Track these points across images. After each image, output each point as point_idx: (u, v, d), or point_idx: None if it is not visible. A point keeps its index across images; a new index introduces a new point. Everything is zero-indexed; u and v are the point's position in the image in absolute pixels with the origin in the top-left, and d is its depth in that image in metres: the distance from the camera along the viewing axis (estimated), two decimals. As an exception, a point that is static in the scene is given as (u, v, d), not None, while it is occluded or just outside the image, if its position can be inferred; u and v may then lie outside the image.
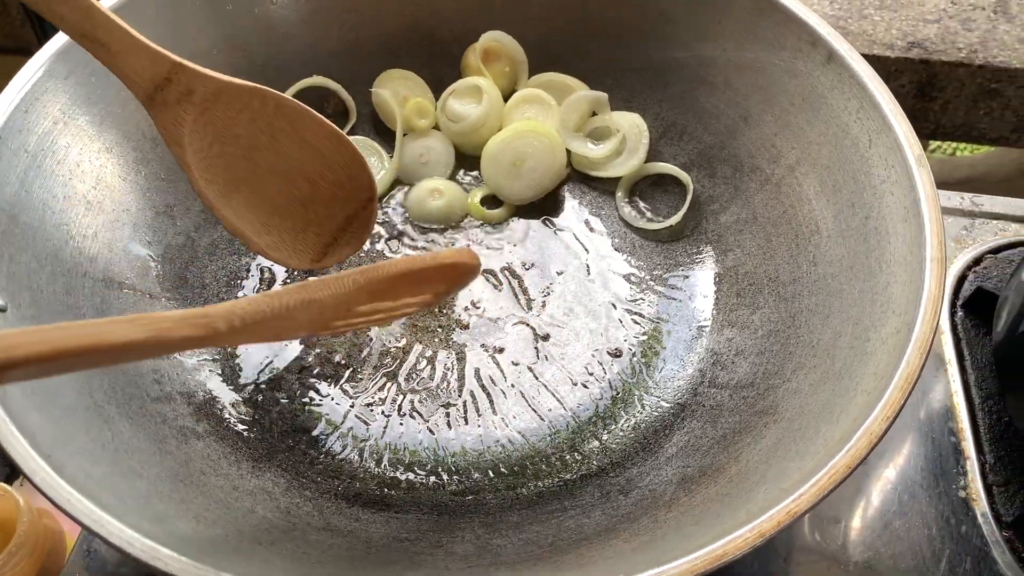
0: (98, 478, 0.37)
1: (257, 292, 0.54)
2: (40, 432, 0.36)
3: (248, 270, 0.55)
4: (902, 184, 0.45)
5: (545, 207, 0.59)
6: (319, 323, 0.37)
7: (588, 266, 0.56)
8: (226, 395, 0.49)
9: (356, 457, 0.48)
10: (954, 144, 1.22)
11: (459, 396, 0.50)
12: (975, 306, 0.57)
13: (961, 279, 0.59)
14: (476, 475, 0.47)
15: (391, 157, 0.60)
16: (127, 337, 0.29)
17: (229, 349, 0.51)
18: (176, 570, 0.32)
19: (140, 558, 0.32)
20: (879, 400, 0.37)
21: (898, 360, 0.39)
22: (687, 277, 0.55)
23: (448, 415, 0.50)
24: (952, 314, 0.57)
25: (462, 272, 0.39)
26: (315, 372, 0.51)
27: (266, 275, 0.55)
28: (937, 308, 0.40)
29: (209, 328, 0.31)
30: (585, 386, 0.51)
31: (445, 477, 0.47)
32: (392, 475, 0.47)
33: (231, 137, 0.45)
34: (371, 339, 0.53)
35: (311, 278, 0.35)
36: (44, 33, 0.79)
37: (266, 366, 0.51)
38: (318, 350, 0.52)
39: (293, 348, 0.52)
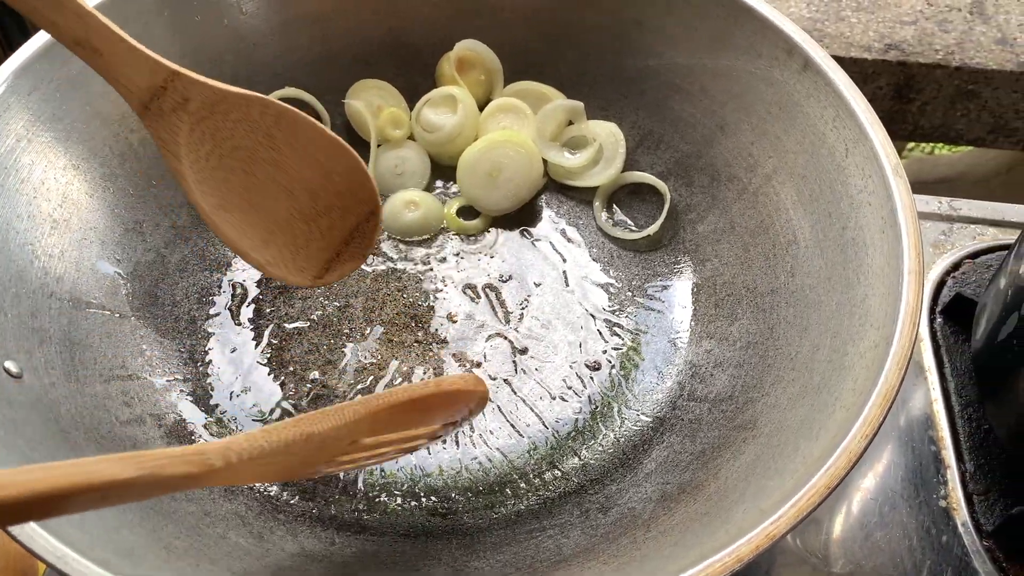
0: (64, 510, 0.36)
1: (228, 308, 0.53)
2: (4, 465, 0.35)
3: (220, 286, 0.54)
4: (879, 194, 0.45)
5: (522, 217, 0.59)
6: (320, 459, 0.36)
7: (566, 277, 0.56)
8: (197, 417, 0.48)
9: (330, 478, 0.47)
10: (932, 144, 1.22)
11: (436, 413, 0.50)
12: (954, 313, 0.57)
13: (940, 285, 0.59)
14: (453, 495, 0.47)
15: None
16: (117, 476, 0.27)
17: (200, 368, 0.50)
18: (143, 607, 0.31)
19: (106, 595, 0.32)
20: (857, 417, 0.37)
21: (876, 375, 0.38)
22: (665, 287, 0.55)
23: (425, 433, 0.49)
24: (931, 321, 0.57)
25: (467, 400, 0.38)
26: (289, 391, 0.50)
27: (238, 291, 0.54)
28: (915, 321, 0.40)
29: (204, 465, 0.30)
30: (564, 400, 0.50)
31: (422, 498, 0.46)
32: (367, 496, 0.46)
33: (229, 148, 0.43)
34: (346, 355, 0.52)
35: (309, 412, 0.34)
36: (10, 45, 0.78)
37: (237, 386, 0.50)
38: (291, 368, 0.51)
39: (267, 367, 0.51)
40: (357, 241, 0.47)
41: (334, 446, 0.35)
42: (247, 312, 0.53)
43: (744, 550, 0.33)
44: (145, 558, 0.36)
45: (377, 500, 0.46)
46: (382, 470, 0.47)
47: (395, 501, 0.46)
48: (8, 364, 0.41)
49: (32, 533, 0.33)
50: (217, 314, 0.53)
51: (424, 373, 0.51)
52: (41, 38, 0.48)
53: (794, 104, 0.51)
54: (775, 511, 0.35)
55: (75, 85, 0.50)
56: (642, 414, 0.49)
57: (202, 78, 0.42)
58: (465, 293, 0.55)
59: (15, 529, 0.33)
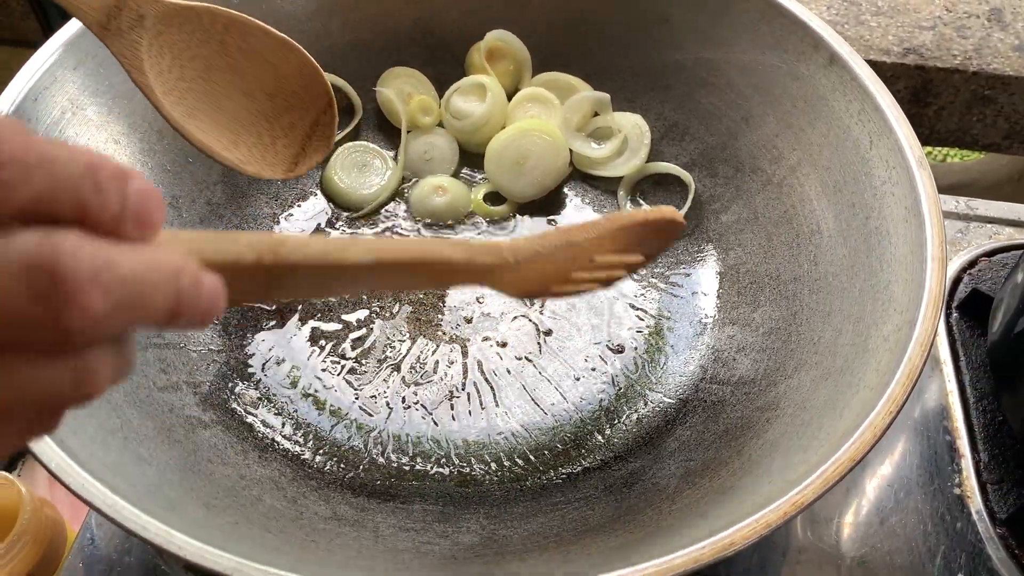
0: (110, 465, 0.37)
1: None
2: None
3: (252, 263, 0.55)
4: (903, 185, 0.46)
5: (548, 205, 0.60)
6: (568, 270, 0.37)
7: (590, 263, 0.57)
8: (231, 385, 0.50)
9: (361, 447, 0.48)
10: (944, 150, 1.23)
11: (462, 389, 0.51)
12: (970, 308, 0.58)
13: (956, 281, 0.60)
14: (480, 467, 0.48)
15: (393, 158, 0.61)
16: (450, 257, 0.30)
17: (234, 340, 0.51)
18: (191, 555, 0.32)
19: (155, 542, 0.33)
20: (882, 395, 0.38)
21: (900, 357, 0.39)
22: (689, 275, 0.56)
23: (452, 407, 0.50)
24: (947, 316, 0.58)
25: (677, 231, 0.40)
26: (320, 364, 0.51)
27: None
28: (938, 306, 0.41)
29: (502, 259, 0.33)
30: (587, 381, 0.51)
31: (449, 468, 0.47)
32: (396, 466, 0.47)
33: (188, 59, 0.46)
34: (375, 332, 0.53)
35: (566, 225, 0.37)
36: (50, 26, 0.79)
37: (271, 357, 0.51)
38: (322, 342, 0.52)
39: (297, 340, 0.52)
40: (319, 133, 0.51)
41: (581, 257, 0.36)
42: (279, 288, 0.54)
43: (772, 516, 0.34)
44: (186, 513, 0.37)
45: (406, 469, 0.47)
46: (411, 441, 0.48)
47: (423, 470, 0.47)
48: None
49: (84, 483, 0.34)
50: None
51: (450, 351, 0.52)
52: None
53: (819, 98, 0.52)
54: (801, 481, 0.36)
55: (116, 62, 0.52)
56: (665, 396, 0.51)
57: None
58: (491, 276, 0.56)
59: (69, 480, 0.34)
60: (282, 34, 0.48)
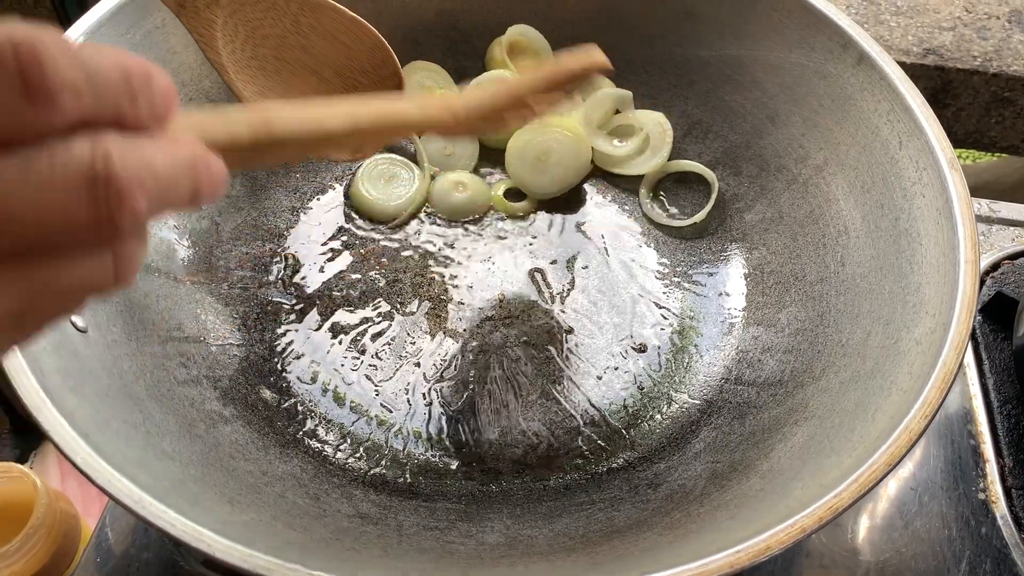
0: (133, 460, 0.36)
1: (280, 278, 0.54)
2: (77, 413, 0.36)
3: (272, 256, 0.55)
4: (934, 186, 0.46)
5: (569, 201, 0.59)
6: (507, 111, 0.38)
7: (611, 261, 0.56)
8: (252, 380, 0.49)
9: (382, 443, 0.47)
10: (960, 153, 1.23)
11: (484, 387, 0.50)
12: (993, 311, 0.58)
13: (979, 284, 0.59)
14: (502, 466, 0.47)
15: (419, 167, 0.60)
16: (408, 116, 0.33)
17: (254, 335, 0.51)
18: (219, 552, 0.32)
19: (182, 539, 0.32)
20: (917, 398, 0.38)
21: (934, 360, 0.39)
22: (712, 274, 0.55)
23: (473, 404, 0.49)
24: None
25: (595, 69, 0.40)
26: (339, 359, 0.51)
27: (290, 261, 0.55)
28: (972, 309, 0.40)
29: (452, 114, 0.35)
30: (610, 380, 0.51)
31: (471, 466, 0.47)
32: (418, 463, 0.47)
33: (260, 37, 0.46)
34: (394, 328, 0.52)
35: (503, 79, 0.38)
36: (67, 15, 0.79)
37: (290, 352, 0.51)
38: (340, 337, 0.52)
39: (317, 335, 0.52)
40: None
41: (516, 102, 0.38)
42: (298, 282, 0.54)
43: (807, 521, 0.34)
44: (211, 509, 0.37)
45: (428, 467, 0.47)
46: (431, 438, 0.48)
47: (445, 468, 0.47)
48: (74, 318, 0.42)
49: (110, 477, 0.33)
50: (269, 283, 0.54)
51: (472, 349, 0.52)
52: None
53: (847, 97, 0.52)
54: (836, 486, 0.35)
55: (154, 38, 0.51)
56: (689, 396, 0.50)
57: None
58: (511, 274, 0.56)
59: (94, 473, 0.33)
60: (353, 14, 0.48)
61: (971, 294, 0.41)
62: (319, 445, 0.47)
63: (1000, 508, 0.50)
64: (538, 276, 0.56)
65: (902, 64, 0.76)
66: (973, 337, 0.57)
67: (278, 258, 0.55)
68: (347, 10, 0.47)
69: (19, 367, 0.36)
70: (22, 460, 0.64)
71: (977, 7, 0.81)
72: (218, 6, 0.44)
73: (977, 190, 1.06)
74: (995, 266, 0.61)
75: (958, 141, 0.83)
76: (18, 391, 0.35)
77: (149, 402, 0.42)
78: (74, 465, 0.34)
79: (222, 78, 0.45)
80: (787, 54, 0.55)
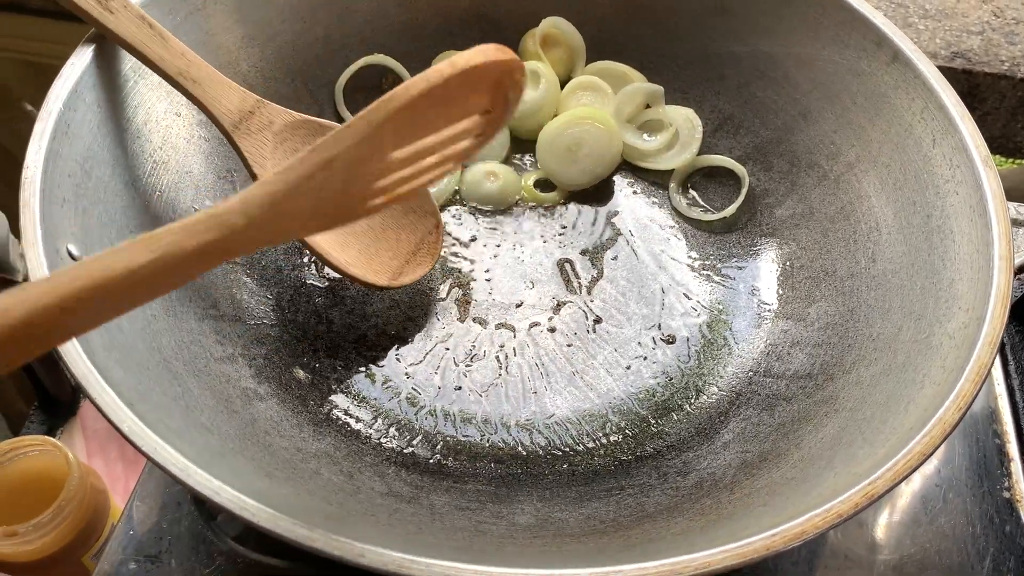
0: (175, 430, 0.37)
1: (313, 261, 0.55)
2: (122, 384, 0.36)
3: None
4: (967, 184, 0.46)
5: (598, 193, 0.60)
6: (355, 189, 0.30)
7: (641, 252, 0.57)
8: (285, 359, 0.50)
9: (413, 424, 0.48)
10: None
11: (512, 372, 0.51)
12: (1020, 313, 0.58)
13: (1006, 285, 0.60)
14: (531, 450, 0.48)
15: None
16: (131, 264, 0.24)
17: (287, 315, 0.51)
18: (263, 520, 0.32)
19: (227, 507, 0.33)
20: (951, 391, 0.38)
21: (968, 354, 0.39)
22: (741, 268, 0.56)
23: (502, 389, 0.50)
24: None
25: (495, 74, 0.31)
26: (370, 342, 0.51)
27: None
28: (1006, 305, 0.41)
29: (225, 227, 0.26)
30: (639, 369, 0.51)
31: (500, 449, 0.47)
32: (448, 444, 0.47)
33: None
34: (425, 313, 0.53)
35: (322, 138, 0.29)
36: None
37: (324, 334, 0.51)
38: (373, 320, 0.52)
39: (350, 317, 0.52)
40: (424, 251, 0.53)
41: (363, 169, 0.30)
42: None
43: (843, 507, 0.34)
44: (251, 482, 0.37)
45: (458, 448, 0.47)
46: (461, 419, 0.48)
47: (475, 450, 0.47)
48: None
49: (155, 445, 0.34)
50: (302, 265, 0.54)
51: (500, 335, 0.52)
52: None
53: (880, 95, 0.52)
54: (871, 474, 0.35)
55: (195, 19, 0.52)
56: (717, 388, 0.50)
57: (280, 107, 0.49)
58: (540, 263, 0.56)
59: (141, 442, 0.34)
60: None
61: (1006, 289, 0.41)
62: (352, 423, 0.47)
63: (1025, 507, 0.50)
64: (567, 266, 0.56)
65: (930, 67, 0.76)
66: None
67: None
68: None
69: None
70: (50, 433, 0.65)
71: (1006, 12, 0.81)
72: (270, 131, 0.47)
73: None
74: (1021, 268, 0.61)
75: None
76: (66, 360, 0.35)
77: (187, 377, 0.43)
78: (120, 432, 0.34)
79: None
80: (820, 51, 0.55)
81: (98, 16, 0.45)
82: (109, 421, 0.34)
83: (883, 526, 0.50)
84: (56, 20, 0.93)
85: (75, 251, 0.41)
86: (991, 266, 0.42)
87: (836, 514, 0.34)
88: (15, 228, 0.46)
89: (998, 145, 0.83)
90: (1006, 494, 0.50)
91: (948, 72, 0.77)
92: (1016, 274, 0.61)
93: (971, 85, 0.78)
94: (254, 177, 0.47)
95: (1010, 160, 1.16)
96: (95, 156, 0.45)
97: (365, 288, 0.52)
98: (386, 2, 0.61)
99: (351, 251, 0.50)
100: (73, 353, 0.36)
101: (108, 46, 0.47)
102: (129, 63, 0.49)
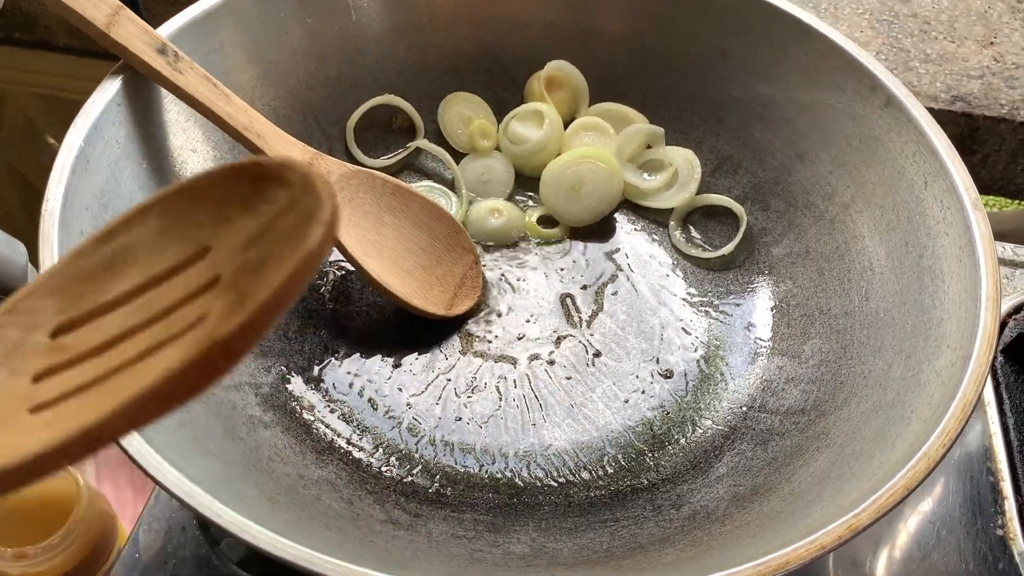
0: (182, 455, 0.38)
1: (320, 292, 0.56)
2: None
3: (318, 271, 0.57)
4: (957, 226, 0.47)
5: (600, 229, 0.61)
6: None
7: (640, 288, 0.58)
8: (290, 388, 0.51)
9: (414, 454, 0.49)
10: (984, 200, 1.24)
11: (512, 404, 0.52)
12: (1016, 353, 0.58)
13: (1002, 325, 0.60)
14: (528, 481, 0.49)
15: (458, 199, 0.62)
16: None
17: (294, 345, 0.53)
18: (264, 543, 0.34)
19: (230, 530, 0.34)
20: (936, 427, 0.39)
21: (954, 391, 0.40)
22: (739, 305, 0.57)
23: (501, 421, 0.51)
24: (992, 358, 0.59)
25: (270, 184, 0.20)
26: (374, 373, 0.53)
27: (330, 277, 0.57)
28: (992, 344, 0.42)
29: None
30: (637, 403, 0.52)
31: (498, 479, 0.48)
32: (447, 473, 0.48)
33: (362, 213, 0.54)
34: (426, 345, 0.54)
35: None
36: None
37: (328, 362, 0.53)
38: (376, 352, 0.53)
39: (356, 347, 0.53)
40: (467, 284, 0.57)
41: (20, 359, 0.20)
42: (338, 297, 0.56)
43: (827, 539, 0.35)
44: (254, 506, 0.38)
45: (456, 478, 0.48)
46: (461, 449, 0.49)
47: (473, 480, 0.48)
48: None
49: (162, 469, 0.35)
50: (310, 296, 0.56)
51: (500, 367, 0.53)
52: (183, 18, 0.52)
53: (874, 138, 0.54)
54: (856, 507, 0.36)
55: (212, 59, 0.54)
56: (713, 422, 0.51)
57: (335, 159, 0.53)
58: (542, 297, 0.57)
59: (146, 464, 0.35)
60: (436, 202, 0.57)
61: (992, 329, 0.42)
62: (354, 452, 0.49)
63: (1018, 545, 0.50)
64: (568, 300, 0.57)
65: (930, 110, 0.78)
66: (995, 376, 0.58)
67: (319, 274, 0.57)
68: (429, 198, 0.56)
69: (79, 362, 0.38)
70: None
71: (1006, 57, 0.83)
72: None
73: (1003, 236, 1.07)
74: (1019, 308, 0.62)
75: (985, 187, 0.84)
76: (78, 384, 0.37)
77: (194, 403, 0.44)
78: (128, 456, 0.36)
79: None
80: (817, 95, 0.57)
81: (169, 76, 0.48)
82: (118, 445, 0.36)
83: (877, 562, 0.50)
84: (80, 57, 0.97)
85: None
86: (978, 306, 0.43)
87: (819, 546, 0.35)
88: (34, 258, 0.48)
89: (999, 187, 0.84)
90: (999, 532, 0.51)
91: (948, 115, 0.79)
92: (1013, 314, 0.62)
93: (971, 128, 0.79)
94: None
95: (1015, 202, 1.17)
96: (112, 190, 0.47)
97: (427, 317, 0.55)
98: (396, 45, 0.63)
99: (410, 287, 0.54)
100: (86, 378, 0.37)
101: (128, 85, 0.49)
102: (147, 101, 0.51)
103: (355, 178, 0.54)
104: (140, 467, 0.36)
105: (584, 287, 0.58)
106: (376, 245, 0.54)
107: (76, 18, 0.47)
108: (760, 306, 0.56)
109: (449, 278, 0.56)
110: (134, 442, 0.36)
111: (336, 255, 0.58)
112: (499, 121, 0.64)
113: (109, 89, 0.48)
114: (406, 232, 0.56)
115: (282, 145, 0.51)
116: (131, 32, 0.48)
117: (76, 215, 0.44)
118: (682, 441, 0.51)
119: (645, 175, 0.63)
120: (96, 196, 0.46)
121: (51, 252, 0.41)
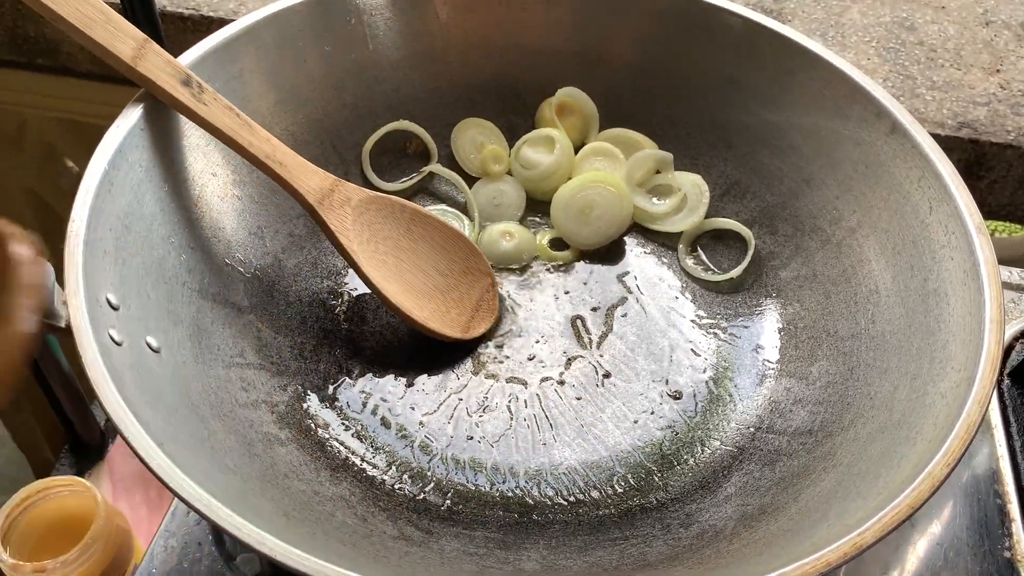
0: (202, 471, 0.39)
1: (335, 312, 0.57)
2: (152, 425, 0.39)
3: (329, 292, 0.58)
4: (962, 250, 0.48)
5: (610, 252, 0.62)
6: None
7: (650, 310, 0.59)
8: (306, 407, 0.52)
9: (426, 472, 0.50)
10: (992, 224, 1.24)
11: (523, 424, 0.53)
12: (1022, 376, 0.59)
13: (1008, 349, 0.61)
14: (539, 499, 0.49)
15: (471, 222, 0.64)
16: None
17: (309, 364, 0.54)
18: (279, 555, 0.34)
19: (247, 542, 0.35)
20: (940, 447, 0.39)
21: (958, 412, 0.41)
22: (747, 327, 0.58)
23: (512, 440, 0.52)
24: (999, 382, 0.59)
25: None
26: (388, 392, 0.54)
27: (345, 298, 0.58)
28: (996, 366, 0.42)
29: None
30: (646, 424, 0.53)
31: (509, 498, 0.49)
32: (459, 491, 0.49)
33: (382, 237, 0.55)
34: (438, 365, 0.55)
35: None
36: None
37: (343, 381, 0.54)
38: (391, 372, 0.54)
39: (370, 368, 0.54)
40: (484, 306, 0.58)
41: None
42: (352, 318, 0.57)
43: (832, 556, 0.36)
44: (270, 520, 0.39)
45: (468, 496, 0.49)
46: (472, 468, 0.50)
47: (484, 498, 0.49)
48: (150, 339, 0.45)
49: (183, 483, 0.36)
50: (325, 317, 0.57)
51: (511, 388, 0.54)
52: (205, 46, 0.53)
53: (880, 164, 0.55)
54: (860, 525, 0.37)
55: (232, 87, 0.55)
56: (723, 443, 0.52)
57: (355, 186, 0.55)
58: (553, 319, 0.58)
59: (168, 478, 0.36)
60: (453, 227, 0.59)
61: (996, 351, 0.43)
62: (368, 470, 0.49)
63: (1025, 567, 0.51)
64: (579, 322, 0.58)
65: (936, 136, 0.79)
66: (1001, 399, 0.58)
67: (335, 295, 0.58)
68: (446, 223, 0.58)
69: (103, 380, 0.39)
70: (80, 473, 0.67)
71: (1012, 84, 0.83)
72: (349, 206, 0.54)
73: (1012, 262, 1.08)
74: (1025, 332, 0.62)
75: (991, 213, 0.85)
76: (102, 401, 0.38)
77: (213, 420, 0.45)
78: (150, 469, 0.37)
79: (352, 264, 0.54)
80: (824, 121, 0.58)
81: (193, 107, 0.50)
82: (140, 459, 0.37)
83: (885, 583, 0.51)
84: (101, 83, 0.99)
85: (113, 300, 0.44)
86: (983, 328, 0.44)
87: (825, 562, 0.36)
88: (59, 277, 0.49)
89: (1006, 212, 0.85)
90: (1007, 554, 0.51)
91: (955, 141, 0.79)
92: (1020, 337, 0.62)
93: (978, 154, 0.80)
94: (338, 246, 0.53)
95: (1016, 230, 1.18)
96: (135, 212, 0.49)
97: (443, 340, 0.56)
98: (412, 72, 0.65)
99: (426, 311, 0.56)
100: (108, 394, 0.38)
101: (150, 110, 0.51)
102: (169, 126, 0.53)
103: (375, 203, 0.55)
104: (163, 482, 0.36)
105: (594, 309, 0.59)
106: (394, 269, 0.55)
107: (102, 52, 0.48)
108: (768, 328, 0.57)
109: (466, 301, 0.57)
110: (155, 457, 0.37)
111: (355, 279, 0.59)
112: (511, 146, 0.66)
113: (133, 114, 0.50)
114: (424, 256, 0.57)
115: (303, 173, 0.52)
116: (156, 65, 0.49)
117: (100, 236, 0.45)
118: (691, 461, 0.51)
119: (654, 199, 0.64)
120: (120, 218, 0.47)
121: (76, 272, 0.42)
